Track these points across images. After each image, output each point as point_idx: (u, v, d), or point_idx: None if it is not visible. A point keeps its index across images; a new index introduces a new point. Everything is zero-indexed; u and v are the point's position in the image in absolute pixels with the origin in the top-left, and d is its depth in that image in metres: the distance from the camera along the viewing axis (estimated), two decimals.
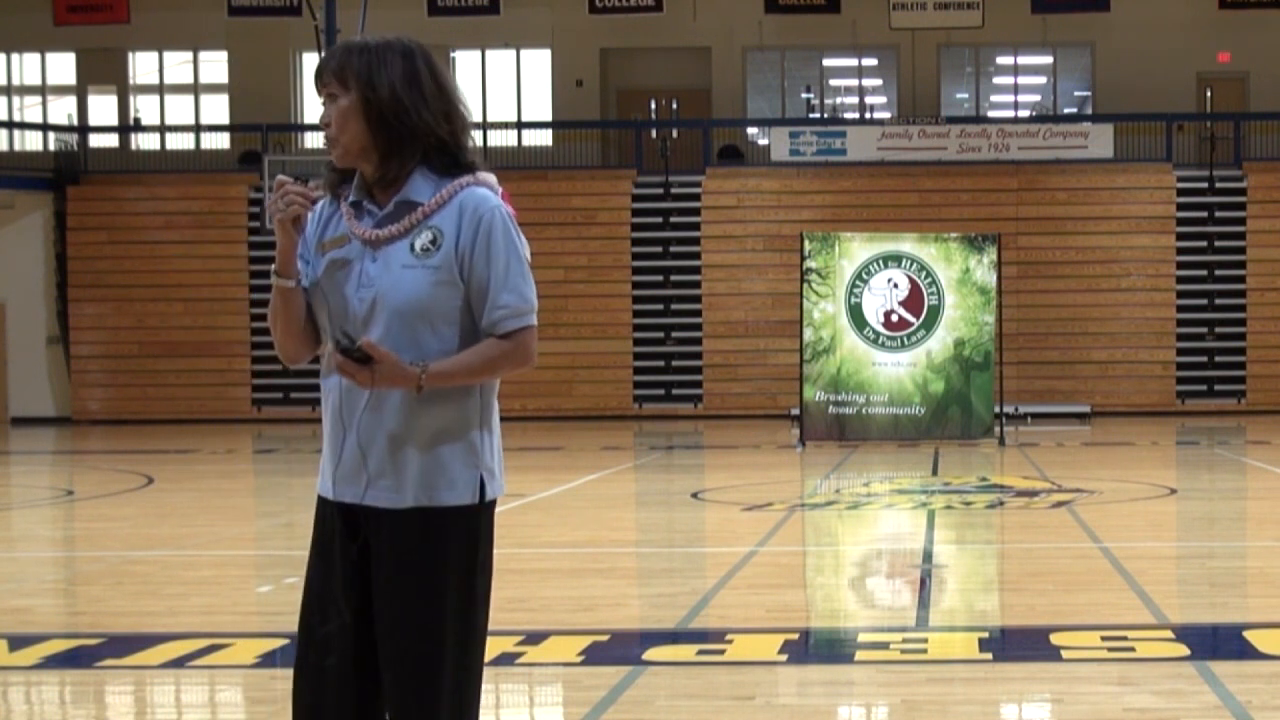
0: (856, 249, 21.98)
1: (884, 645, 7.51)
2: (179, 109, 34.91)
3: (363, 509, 3.69)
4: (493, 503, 3.77)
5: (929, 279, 21.74)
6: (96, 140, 33.98)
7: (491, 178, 3.77)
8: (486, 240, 3.66)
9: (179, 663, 7.17)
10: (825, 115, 34.26)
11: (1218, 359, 31.22)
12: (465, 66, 34.57)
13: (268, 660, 7.21)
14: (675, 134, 33.11)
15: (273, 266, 3.69)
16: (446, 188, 3.69)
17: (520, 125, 33.64)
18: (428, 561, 3.66)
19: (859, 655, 7.35)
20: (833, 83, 35.43)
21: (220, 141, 34.09)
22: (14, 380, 32.37)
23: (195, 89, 34.90)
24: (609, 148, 33.92)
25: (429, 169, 3.71)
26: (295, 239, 3.66)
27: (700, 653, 7.35)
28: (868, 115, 34.52)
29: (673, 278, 31.70)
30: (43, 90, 35.24)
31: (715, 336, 31.46)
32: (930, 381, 21.79)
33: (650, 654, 7.25)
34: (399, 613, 3.66)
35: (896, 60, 34.16)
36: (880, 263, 21.84)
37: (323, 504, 3.78)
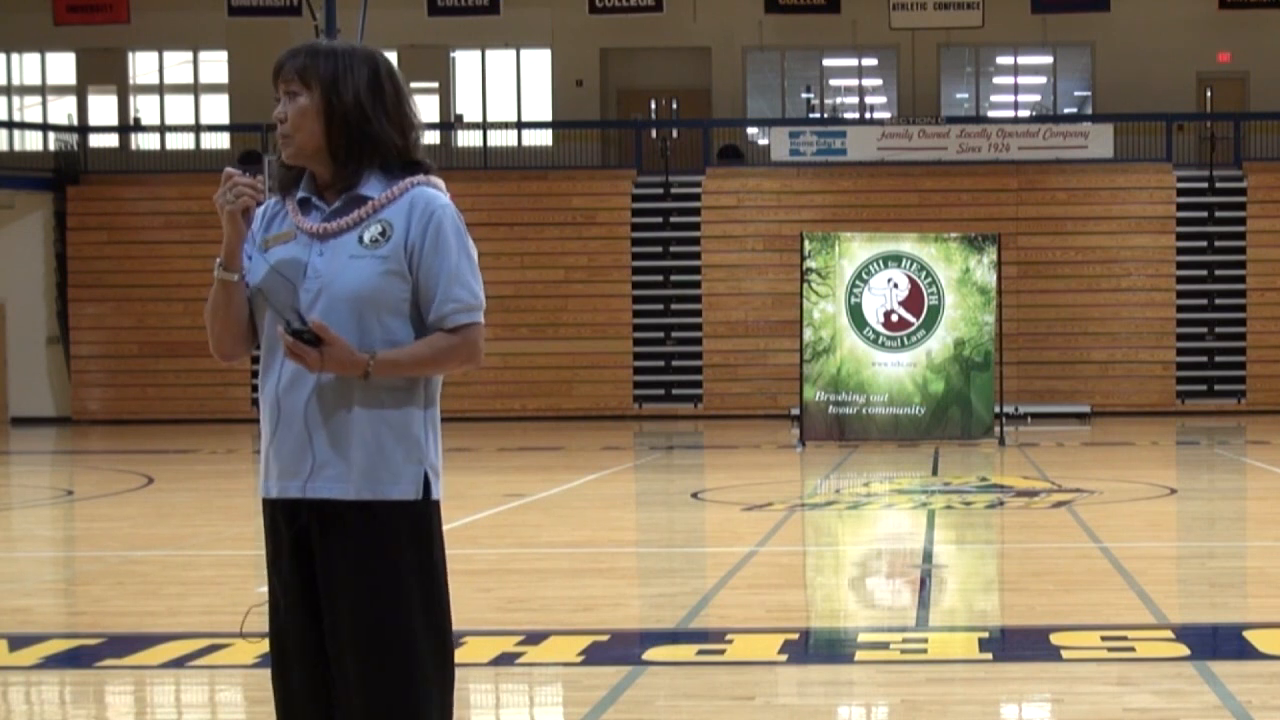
0: (856, 249, 21.97)
1: (884, 645, 7.51)
2: (179, 109, 34.91)
3: (306, 502, 3.69)
4: (438, 503, 3.76)
5: (929, 279, 21.74)
6: (96, 140, 33.99)
7: (440, 181, 3.80)
8: (437, 235, 3.69)
9: (179, 663, 7.17)
10: (825, 115, 34.27)
11: (1218, 359, 31.22)
12: (465, 66, 34.58)
13: (268, 660, 7.19)
14: (675, 134, 33.12)
15: (217, 260, 3.70)
16: (397, 185, 3.72)
17: (520, 125, 33.64)
18: (371, 556, 3.66)
19: (859, 655, 7.35)
20: (833, 83, 35.43)
21: (220, 141, 34.10)
22: (14, 380, 32.38)
23: (195, 89, 34.91)
24: (609, 148, 33.93)
25: (383, 173, 3.74)
26: (243, 231, 3.69)
27: (700, 653, 7.35)
28: (868, 115, 34.52)
29: (673, 278, 31.71)
30: (43, 90, 35.24)
31: (715, 336, 31.47)
32: (930, 381, 21.79)
33: (650, 654, 7.25)
34: (343, 607, 3.67)
35: (896, 60, 34.16)
36: (880, 263, 21.83)
37: (266, 505, 3.79)
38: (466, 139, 33.12)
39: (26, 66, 35.18)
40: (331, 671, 3.73)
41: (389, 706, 3.66)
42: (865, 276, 21.80)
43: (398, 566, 3.67)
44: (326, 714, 3.75)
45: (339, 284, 3.65)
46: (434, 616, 3.71)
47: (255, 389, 31.84)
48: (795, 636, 7.81)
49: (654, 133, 33.00)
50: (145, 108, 34.92)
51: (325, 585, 3.70)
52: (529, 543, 11.66)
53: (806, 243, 22.09)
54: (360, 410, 3.66)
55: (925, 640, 7.61)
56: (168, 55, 34.79)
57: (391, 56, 31.17)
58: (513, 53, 34.46)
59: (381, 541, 3.66)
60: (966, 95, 35.49)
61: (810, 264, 21.91)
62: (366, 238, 3.68)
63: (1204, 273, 31.34)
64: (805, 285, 21.96)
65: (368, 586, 3.65)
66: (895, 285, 21.75)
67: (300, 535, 3.72)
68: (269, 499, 3.76)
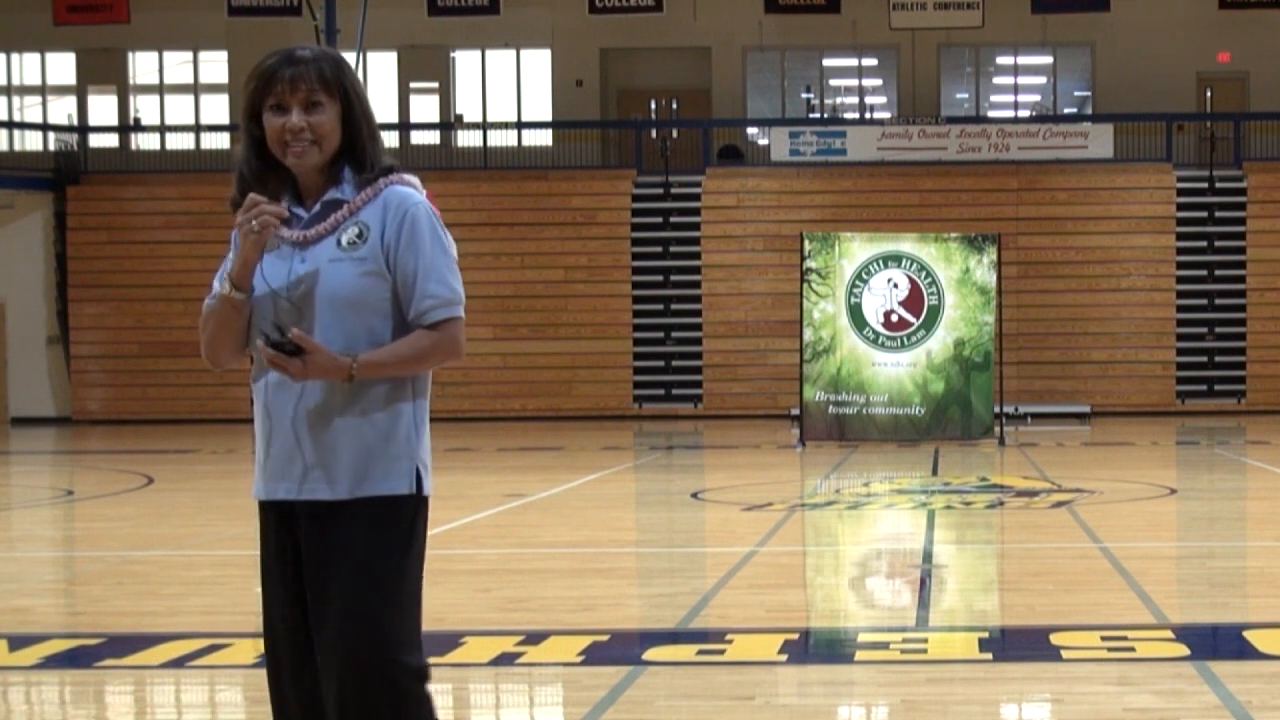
0: (856, 249, 21.97)
1: (884, 645, 7.50)
2: (179, 109, 34.92)
3: (299, 504, 3.74)
4: (427, 499, 3.81)
5: (929, 279, 21.74)
6: (96, 140, 33.99)
7: (415, 179, 3.84)
8: (411, 233, 3.72)
9: (179, 663, 7.17)
10: (825, 115, 34.27)
11: (1218, 359, 31.22)
12: (465, 66, 34.58)
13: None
14: (675, 134, 33.11)
15: (222, 278, 3.76)
16: (371, 186, 3.76)
17: (520, 125, 33.64)
18: (361, 551, 3.69)
19: (859, 655, 7.35)
20: (833, 83, 35.43)
21: (220, 141, 34.10)
22: (14, 380, 32.37)
23: (195, 89, 34.92)
24: (609, 148, 33.93)
25: (355, 174, 3.77)
26: (260, 255, 3.73)
27: (700, 653, 7.34)
28: (868, 115, 34.53)
29: (673, 278, 31.70)
30: (43, 90, 35.25)
31: (715, 336, 31.46)
32: (930, 382, 21.79)
33: (650, 654, 7.24)
34: (330, 600, 3.69)
35: (896, 60, 34.17)
36: (880, 263, 21.83)
37: (260, 507, 3.83)
38: (466, 139, 33.12)
39: (26, 66, 35.19)
40: (320, 670, 3.75)
41: (366, 695, 3.68)
42: (865, 276, 21.80)
43: (386, 560, 3.70)
44: (320, 714, 3.77)
45: (321, 289, 3.69)
46: (413, 609, 3.76)
47: None
48: (795, 636, 7.81)
49: (654, 133, 33.00)
50: (145, 108, 34.92)
51: (312, 582, 3.72)
52: (529, 543, 11.66)
53: (806, 243, 22.09)
54: (347, 411, 3.70)
55: (925, 640, 7.61)
56: (168, 55, 34.80)
57: (391, 56, 31.38)
58: (513, 53, 34.46)
59: (371, 536, 3.70)
60: (966, 95, 35.50)
61: (810, 264, 21.91)
62: (344, 240, 3.72)
63: (1204, 273, 31.34)
64: (805, 285, 21.96)
65: (355, 579, 3.67)
66: (895, 285, 21.75)
67: (292, 537, 3.76)
68: (263, 501, 3.80)
